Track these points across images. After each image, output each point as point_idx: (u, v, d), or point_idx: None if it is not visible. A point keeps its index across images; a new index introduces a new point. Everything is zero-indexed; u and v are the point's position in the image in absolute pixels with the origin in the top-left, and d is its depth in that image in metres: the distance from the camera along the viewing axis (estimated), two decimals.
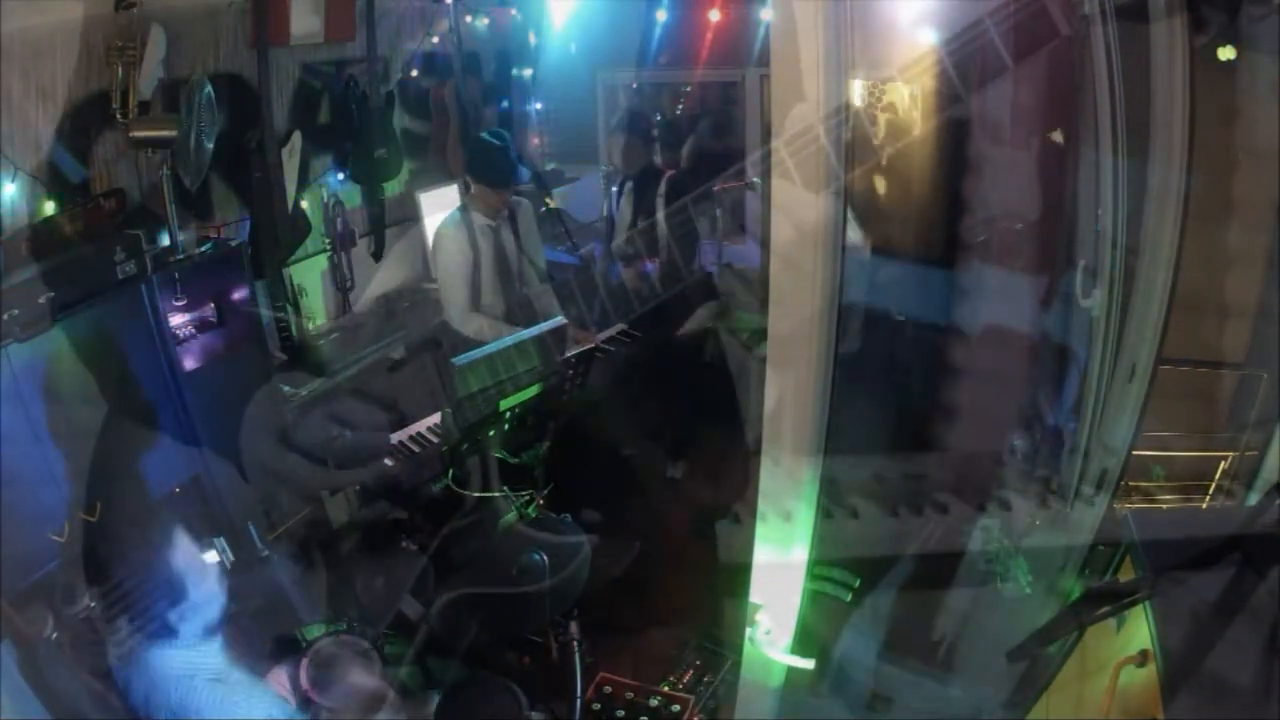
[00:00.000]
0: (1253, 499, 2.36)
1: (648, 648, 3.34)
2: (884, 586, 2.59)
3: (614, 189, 4.91)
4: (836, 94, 1.56)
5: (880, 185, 4.01)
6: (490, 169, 3.78)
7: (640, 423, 4.31)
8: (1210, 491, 2.49)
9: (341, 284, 4.66)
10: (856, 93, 4.95)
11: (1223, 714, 1.39)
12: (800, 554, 1.84)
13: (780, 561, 1.85)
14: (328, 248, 4.58)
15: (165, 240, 3.32)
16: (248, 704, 2.01)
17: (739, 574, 1.94)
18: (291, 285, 4.27)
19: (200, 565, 2.45)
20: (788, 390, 1.69)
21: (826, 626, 2.53)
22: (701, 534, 3.11)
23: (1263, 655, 1.41)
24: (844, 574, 2.35)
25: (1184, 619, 1.46)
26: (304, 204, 4.31)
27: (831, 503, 2.56)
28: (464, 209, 3.84)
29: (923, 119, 4.55)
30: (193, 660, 2.00)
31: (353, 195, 4.72)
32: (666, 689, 2.69)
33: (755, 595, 1.91)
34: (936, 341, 3.18)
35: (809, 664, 2.12)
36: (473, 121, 5.22)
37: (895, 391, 3.37)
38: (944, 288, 3.19)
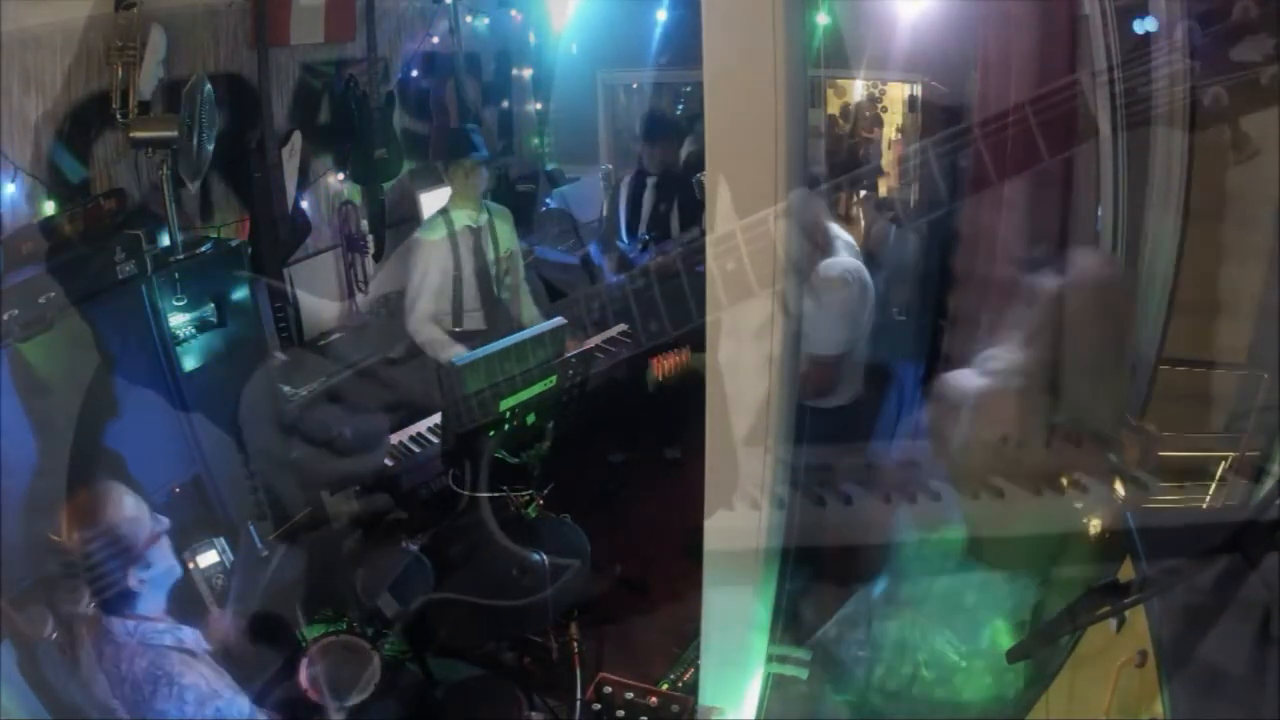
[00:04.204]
0: (1253, 499, 2.36)
1: (648, 648, 3.35)
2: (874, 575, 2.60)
3: (627, 187, 4.84)
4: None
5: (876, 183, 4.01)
6: (452, 147, 3.88)
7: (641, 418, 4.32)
8: (1211, 491, 2.49)
9: (352, 285, 4.68)
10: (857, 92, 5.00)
11: (1224, 714, 1.38)
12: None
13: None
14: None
15: (165, 240, 3.32)
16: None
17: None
18: (292, 285, 4.28)
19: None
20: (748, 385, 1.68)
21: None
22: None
23: (1264, 654, 1.41)
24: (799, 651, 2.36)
25: (1184, 619, 1.46)
26: (304, 204, 4.32)
27: (823, 490, 2.57)
28: (444, 213, 3.86)
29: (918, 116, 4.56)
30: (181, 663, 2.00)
31: (354, 195, 4.73)
32: (666, 689, 2.69)
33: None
34: (932, 335, 3.18)
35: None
36: (473, 121, 5.22)
37: (891, 382, 3.38)
38: (939, 282, 3.19)
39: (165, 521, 2.11)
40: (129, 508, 2.05)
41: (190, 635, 2.08)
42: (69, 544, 2.01)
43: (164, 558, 2.09)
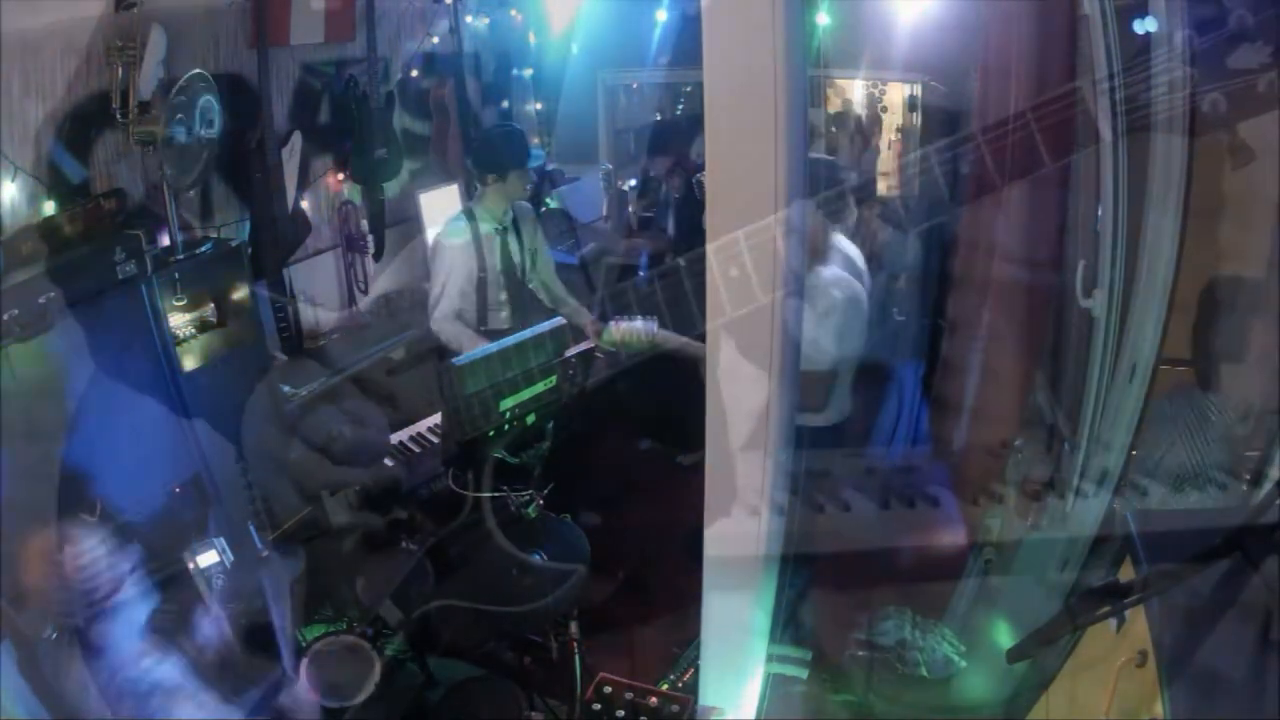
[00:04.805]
0: (1253, 500, 2.36)
1: (647, 648, 3.35)
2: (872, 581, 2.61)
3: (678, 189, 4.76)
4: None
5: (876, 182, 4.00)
6: (509, 153, 3.73)
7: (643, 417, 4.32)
8: (1211, 492, 2.49)
9: (352, 285, 4.69)
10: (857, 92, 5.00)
11: (1224, 714, 1.38)
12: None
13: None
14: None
15: (165, 240, 3.32)
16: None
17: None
18: (291, 285, 4.28)
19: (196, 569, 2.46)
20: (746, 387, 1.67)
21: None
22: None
23: (1264, 655, 1.40)
24: (798, 651, 2.36)
25: (1184, 618, 1.46)
26: (304, 204, 4.32)
27: (823, 497, 2.57)
28: (470, 215, 3.76)
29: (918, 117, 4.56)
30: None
31: (354, 195, 4.73)
32: (666, 689, 2.69)
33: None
34: (935, 339, 3.18)
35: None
36: (473, 121, 5.23)
37: (893, 385, 3.37)
38: (942, 284, 3.19)
39: (131, 555, 2.04)
40: (88, 556, 1.99)
41: (169, 671, 2.02)
42: (35, 591, 1.95)
43: (131, 600, 2.02)
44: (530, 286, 3.95)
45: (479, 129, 5.18)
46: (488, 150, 3.86)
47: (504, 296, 3.83)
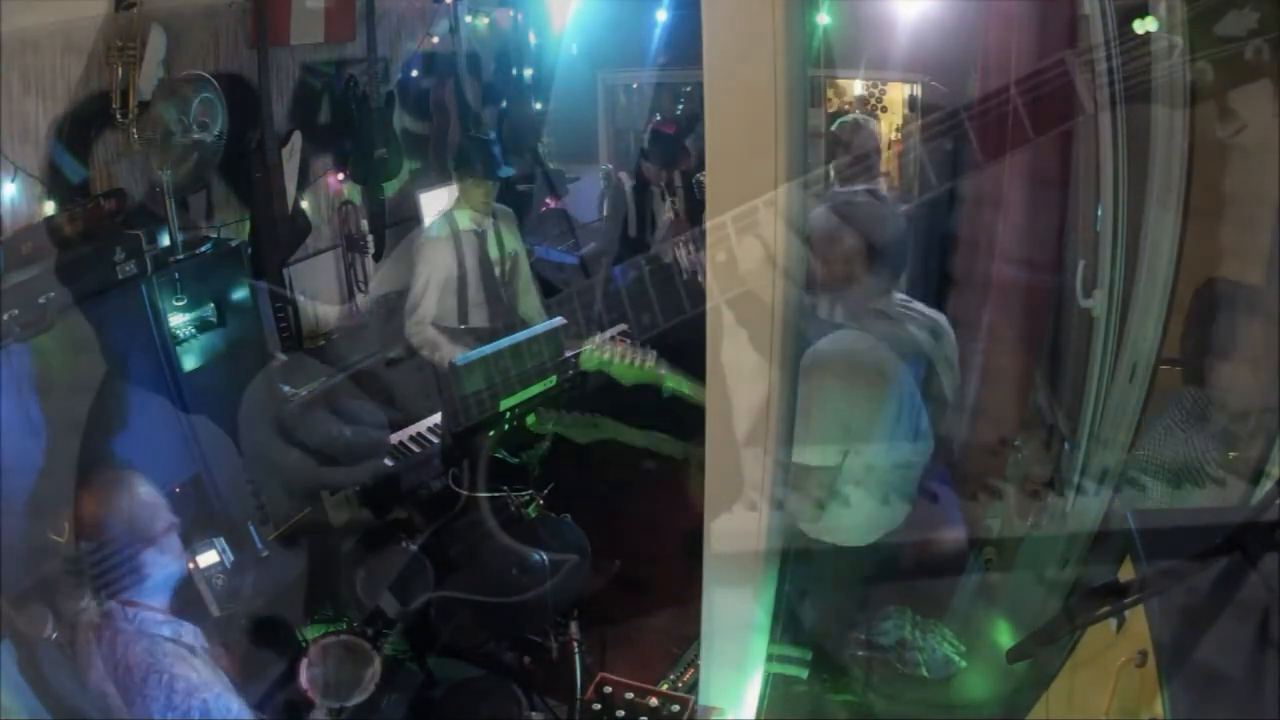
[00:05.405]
0: (1253, 499, 2.36)
1: (648, 648, 3.35)
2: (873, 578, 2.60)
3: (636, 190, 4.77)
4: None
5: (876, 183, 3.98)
6: (475, 160, 3.83)
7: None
8: (1211, 491, 2.49)
9: (352, 285, 4.69)
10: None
11: (1224, 714, 1.38)
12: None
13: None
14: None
15: (165, 240, 3.33)
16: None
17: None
18: (291, 285, 4.28)
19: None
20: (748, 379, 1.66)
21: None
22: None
23: (1263, 655, 1.40)
24: (799, 650, 2.34)
25: (1184, 618, 1.45)
26: (304, 204, 4.32)
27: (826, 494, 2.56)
28: (449, 215, 3.88)
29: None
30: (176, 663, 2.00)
31: (354, 195, 4.73)
32: (666, 689, 2.69)
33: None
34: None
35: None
36: (473, 121, 5.23)
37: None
38: (942, 283, 3.19)
39: (175, 518, 2.15)
40: (147, 494, 2.12)
41: (189, 631, 2.10)
42: (85, 523, 2.05)
43: (173, 551, 2.14)
44: (506, 292, 4.00)
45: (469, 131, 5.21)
46: (460, 155, 3.98)
47: (482, 296, 3.91)
